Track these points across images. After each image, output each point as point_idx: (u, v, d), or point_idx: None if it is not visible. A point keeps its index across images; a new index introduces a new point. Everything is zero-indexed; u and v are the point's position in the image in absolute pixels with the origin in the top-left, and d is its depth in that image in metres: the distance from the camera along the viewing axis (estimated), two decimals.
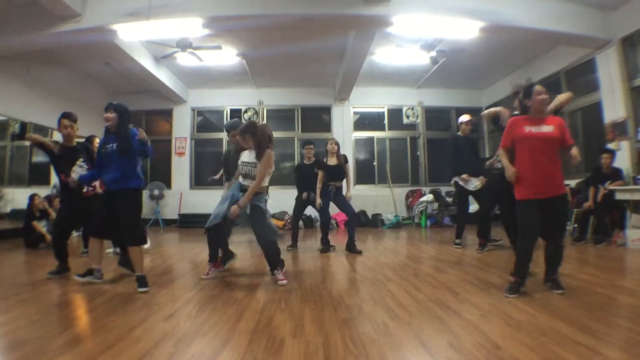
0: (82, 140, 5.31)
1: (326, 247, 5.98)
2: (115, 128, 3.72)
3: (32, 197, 6.84)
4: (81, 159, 4.53)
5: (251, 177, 3.95)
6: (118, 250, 5.42)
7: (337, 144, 6.05)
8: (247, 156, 3.99)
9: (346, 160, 6.08)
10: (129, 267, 4.30)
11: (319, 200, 5.91)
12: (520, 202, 3.38)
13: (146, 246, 5.45)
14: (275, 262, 4.00)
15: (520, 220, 3.40)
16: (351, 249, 5.86)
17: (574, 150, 3.33)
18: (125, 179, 3.69)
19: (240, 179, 4.04)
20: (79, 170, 4.45)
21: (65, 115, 4.44)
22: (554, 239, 3.41)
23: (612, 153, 6.56)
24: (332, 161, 5.97)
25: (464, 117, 6.17)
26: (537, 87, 3.39)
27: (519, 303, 3.02)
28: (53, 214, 6.83)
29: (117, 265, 4.48)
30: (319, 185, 5.92)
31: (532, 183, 3.32)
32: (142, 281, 3.64)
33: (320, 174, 5.93)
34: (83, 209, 4.48)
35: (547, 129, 3.34)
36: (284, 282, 3.85)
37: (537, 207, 3.32)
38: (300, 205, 6.24)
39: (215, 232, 4.04)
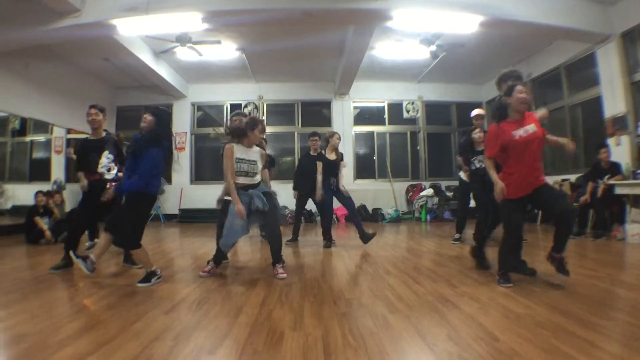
0: (85, 137, 5.24)
1: (329, 242, 6.00)
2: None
3: (36, 194, 6.87)
4: (107, 151, 4.48)
5: (254, 173, 3.92)
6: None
7: (339, 139, 6.11)
8: (244, 153, 3.91)
9: (342, 158, 6.13)
10: (131, 262, 4.37)
11: (321, 192, 5.91)
12: (508, 202, 3.38)
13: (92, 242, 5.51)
14: (280, 254, 4.04)
15: (506, 218, 3.44)
16: (365, 238, 5.88)
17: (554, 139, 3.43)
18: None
19: (241, 179, 3.90)
20: (106, 161, 4.42)
21: (92, 105, 4.59)
22: (560, 204, 3.37)
23: (607, 147, 6.62)
24: (331, 156, 5.97)
25: (475, 111, 6.14)
26: (519, 87, 3.42)
27: (517, 296, 3.04)
28: (57, 213, 6.84)
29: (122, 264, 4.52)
30: (319, 177, 5.93)
31: (520, 184, 3.35)
32: (146, 277, 3.64)
33: (319, 165, 5.94)
34: (102, 204, 4.43)
35: (532, 128, 3.37)
36: (284, 275, 3.87)
37: (522, 205, 3.41)
38: (303, 198, 6.26)
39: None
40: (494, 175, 3.41)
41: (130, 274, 4.03)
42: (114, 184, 4.37)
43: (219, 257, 4.12)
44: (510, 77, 3.78)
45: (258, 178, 3.98)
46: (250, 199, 3.86)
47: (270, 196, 4.00)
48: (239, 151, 3.89)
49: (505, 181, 3.37)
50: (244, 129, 3.93)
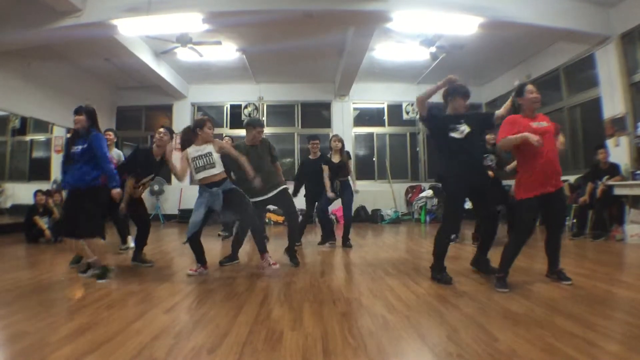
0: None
1: (332, 242, 6.04)
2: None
3: (36, 194, 6.87)
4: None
5: (211, 164, 4.00)
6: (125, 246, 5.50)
7: (340, 140, 6.04)
8: (197, 151, 4.03)
9: (349, 157, 6.10)
10: (140, 260, 4.52)
11: (331, 194, 5.88)
12: (528, 200, 3.35)
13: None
14: (262, 245, 4.26)
15: (524, 217, 3.39)
16: (345, 241, 5.95)
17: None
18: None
19: (201, 174, 4.01)
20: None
21: (162, 125, 4.89)
22: (559, 229, 3.50)
23: (605, 148, 6.65)
24: (335, 158, 5.97)
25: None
26: (529, 86, 3.46)
27: (516, 296, 3.04)
28: (56, 212, 6.83)
29: (131, 262, 4.61)
30: (327, 180, 5.90)
31: (543, 180, 3.32)
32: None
33: (325, 169, 5.94)
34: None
35: (544, 124, 3.42)
36: (277, 266, 4.18)
37: (538, 205, 3.36)
38: (311, 200, 6.23)
39: (197, 238, 4.07)
40: (516, 137, 3.26)
41: (129, 275, 4.04)
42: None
43: (231, 256, 4.62)
44: (457, 93, 3.77)
45: (218, 169, 4.04)
46: (211, 198, 3.99)
47: (236, 192, 4.11)
48: (190, 152, 4.04)
49: (524, 178, 3.38)
50: (194, 129, 4.11)
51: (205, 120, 4.13)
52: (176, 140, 4.53)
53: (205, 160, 4.00)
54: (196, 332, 2.39)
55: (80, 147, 3.78)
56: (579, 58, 8.08)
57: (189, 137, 4.14)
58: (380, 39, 8.14)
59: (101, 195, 3.82)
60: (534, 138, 3.16)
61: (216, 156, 4.04)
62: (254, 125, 4.72)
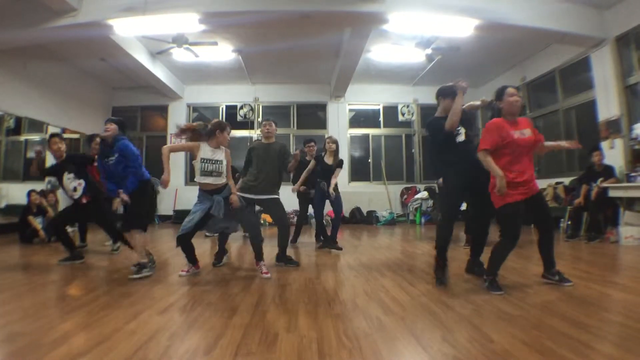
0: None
1: (326, 243, 5.99)
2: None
3: (29, 193, 6.83)
4: (67, 171, 4.90)
5: (218, 173, 3.94)
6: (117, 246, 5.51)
7: (335, 142, 5.95)
8: (210, 154, 3.96)
9: (341, 165, 5.98)
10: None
11: (299, 186, 5.98)
12: (510, 205, 3.28)
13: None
14: (259, 252, 4.14)
15: (510, 222, 3.35)
16: (327, 243, 5.88)
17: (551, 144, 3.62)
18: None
19: (208, 178, 3.94)
20: (67, 182, 4.86)
21: (55, 135, 5.11)
22: (550, 228, 3.49)
23: (599, 150, 6.67)
24: (329, 160, 5.92)
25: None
26: (509, 89, 3.46)
27: (512, 298, 3.04)
28: (51, 212, 6.80)
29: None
30: (304, 175, 5.90)
31: (520, 185, 3.29)
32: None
33: (312, 163, 5.91)
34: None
35: (527, 133, 3.39)
36: (268, 275, 3.98)
37: (521, 209, 3.33)
38: (304, 201, 6.21)
39: (187, 239, 4.00)
40: (493, 166, 3.24)
41: (124, 275, 4.01)
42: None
43: (220, 252, 4.62)
44: (447, 94, 3.82)
45: (223, 179, 3.97)
46: (212, 204, 3.92)
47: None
48: (204, 151, 3.95)
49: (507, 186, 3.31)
50: (213, 129, 4.01)
51: (226, 125, 4.09)
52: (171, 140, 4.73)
53: (215, 166, 3.93)
54: (191, 333, 2.38)
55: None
56: (575, 60, 8.13)
57: (200, 134, 4.04)
58: (376, 40, 8.16)
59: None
60: (502, 182, 3.18)
61: (225, 166, 3.98)
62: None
